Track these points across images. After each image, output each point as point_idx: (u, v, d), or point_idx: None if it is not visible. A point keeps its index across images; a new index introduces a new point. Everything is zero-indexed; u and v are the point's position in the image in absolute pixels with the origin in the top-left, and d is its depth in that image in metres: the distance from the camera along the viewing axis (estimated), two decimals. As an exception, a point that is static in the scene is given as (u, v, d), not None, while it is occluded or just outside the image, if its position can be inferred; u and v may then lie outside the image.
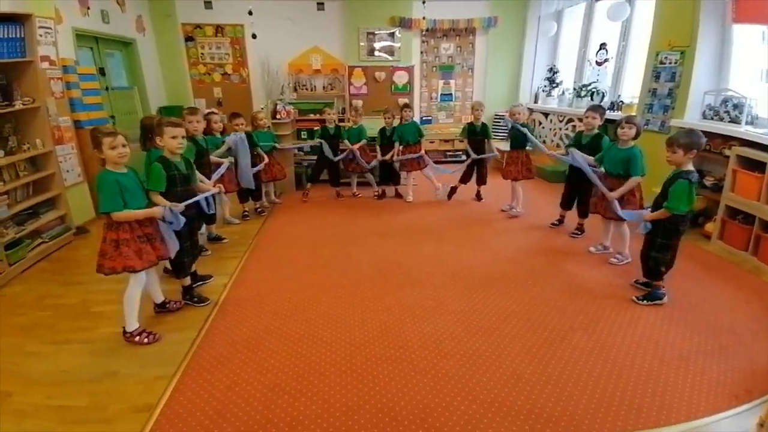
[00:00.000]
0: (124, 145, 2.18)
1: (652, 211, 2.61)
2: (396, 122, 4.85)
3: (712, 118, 3.84)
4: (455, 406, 1.88)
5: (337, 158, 4.88)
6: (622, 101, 5.00)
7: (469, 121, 4.79)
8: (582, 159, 3.31)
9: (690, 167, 2.46)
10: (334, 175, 5.05)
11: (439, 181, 4.97)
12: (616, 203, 2.97)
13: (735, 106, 3.66)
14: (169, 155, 2.52)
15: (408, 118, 4.77)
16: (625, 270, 3.12)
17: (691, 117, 3.96)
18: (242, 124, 4.24)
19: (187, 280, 2.76)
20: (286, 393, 1.97)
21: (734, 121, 3.64)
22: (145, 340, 2.33)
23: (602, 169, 3.27)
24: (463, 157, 4.78)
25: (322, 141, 4.81)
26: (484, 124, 4.63)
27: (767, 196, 3.07)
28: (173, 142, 2.46)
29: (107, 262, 2.19)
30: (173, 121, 2.54)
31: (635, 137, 3.04)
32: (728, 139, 3.51)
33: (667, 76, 4.12)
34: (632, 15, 4.89)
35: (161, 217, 2.30)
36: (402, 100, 6.64)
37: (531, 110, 6.50)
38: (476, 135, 4.63)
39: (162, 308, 2.65)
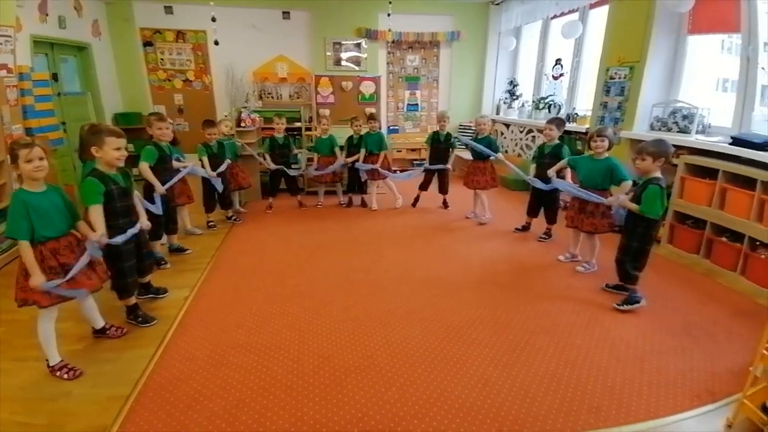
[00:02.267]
0: (41, 158, 1.94)
1: (626, 221, 2.70)
2: (364, 131, 4.88)
3: (659, 129, 4.09)
4: (424, 413, 1.88)
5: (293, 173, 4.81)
6: (576, 113, 5.27)
7: (435, 129, 4.88)
8: (564, 183, 3.41)
9: (658, 174, 2.58)
10: (292, 185, 4.95)
11: (400, 192, 5.05)
12: (615, 207, 2.91)
13: (684, 117, 3.90)
14: (104, 168, 2.28)
15: (375, 129, 4.81)
16: (586, 276, 3.25)
17: (639, 128, 4.22)
18: (214, 134, 4.14)
19: (131, 300, 2.56)
20: (251, 409, 1.91)
21: (683, 131, 3.87)
22: (65, 376, 2.08)
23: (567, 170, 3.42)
24: (425, 165, 4.89)
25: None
26: (448, 134, 4.73)
27: (719, 202, 3.27)
28: (115, 153, 2.23)
29: (19, 291, 1.97)
30: (116, 131, 2.27)
31: (609, 148, 3.16)
32: (677, 149, 3.72)
33: (617, 90, 4.38)
34: (585, 33, 5.19)
35: (38, 284, 1.92)
36: (369, 110, 6.71)
37: (494, 121, 6.70)
38: (439, 143, 4.74)
39: (101, 334, 2.41)
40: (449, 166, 4.74)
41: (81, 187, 2.28)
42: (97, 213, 2.22)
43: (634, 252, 2.67)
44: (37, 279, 1.91)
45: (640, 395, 2.00)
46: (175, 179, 3.44)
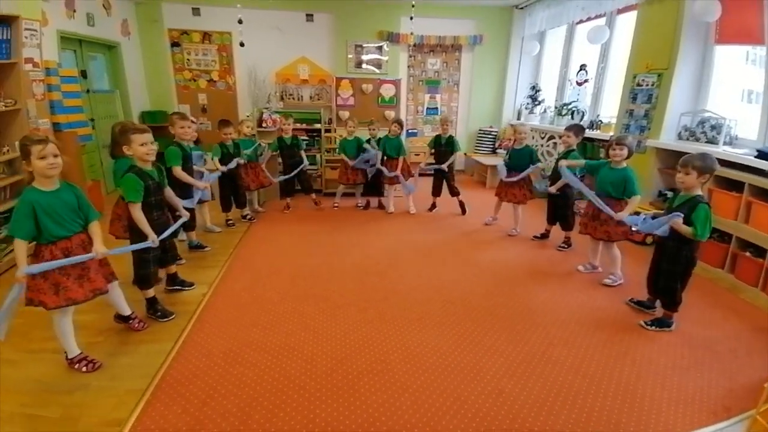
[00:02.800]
0: (55, 155, 1.90)
1: (665, 244, 2.53)
2: (381, 134, 4.89)
3: (687, 139, 3.98)
4: (436, 421, 1.86)
5: (285, 177, 4.78)
6: (600, 121, 5.15)
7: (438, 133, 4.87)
8: (575, 179, 3.24)
9: (700, 192, 2.42)
10: (305, 183, 4.98)
11: (416, 198, 5.01)
12: (625, 220, 2.84)
13: (713, 127, 3.78)
14: (140, 164, 2.42)
15: (395, 133, 4.80)
16: (606, 288, 3.16)
17: (666, 138, 4.10)
18: (230, 134, 4.19)
19: (151, 292, 2.62)
20: (264, 408, 1.92)
21: (711, 141, 3.75)
22: (84, 368, 2.11)
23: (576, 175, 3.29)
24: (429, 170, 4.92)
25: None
26: (450, 137, 4.74)
27: (745, 215, 3.16)
28: (143, 149, 2.35)
29: (27, 291, 1.93)
30: (139, 127, 2.41)
31: (627, 157, 3.05)
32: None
33: (644, 97, 4.27)
34: (611, 38, 5.08)
35: (23, 277, 1.90)
36: (388, 113, 6.73)
37: (513, 126, 6.57)
38: (441, 146, 4.75)
39: (124, 321, 2.46)
40: (444, 167, 4.71)
41: (122, 183, 2.40)
42: (138, 212, 2.37)
43: (682, 276, 2.50)
44: (21, 270, 1.88)
45: (659, 411, 1.94)
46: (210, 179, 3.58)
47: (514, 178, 4.13)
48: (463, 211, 4.98)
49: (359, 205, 5.21)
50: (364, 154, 4.82)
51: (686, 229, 2.38)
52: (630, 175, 3.02)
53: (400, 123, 4.82)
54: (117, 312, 2.49)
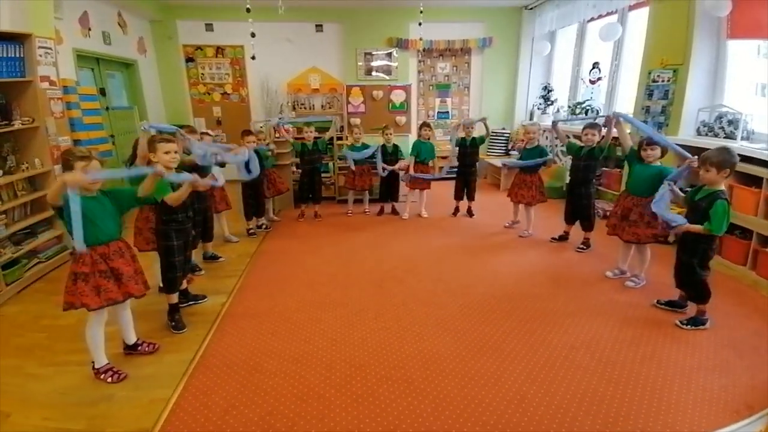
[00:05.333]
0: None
1: (685, 237, 2.53)
2: (394, 139, 4.94)
3: (706, 135, 3.89)
4: (457, 428, 1.84)
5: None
6: (616, 118, 5.06)
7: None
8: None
9: (722, 187, 2.41)
10: (316, 193, 4.97)
11: (431, 202, 5.05)
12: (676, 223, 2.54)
13: (730, 122, 3.71)
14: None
15: (427, 137, 4.83)
16: (629, 290, 3.09)
17: (685, 134, 4.01)
18: (253, 142, 4.25)
19: (175, 298, 2.69)
20: (285, 417, 1.92)
21: (729, 136, 3.69)
22: (109, 379, 2.17)
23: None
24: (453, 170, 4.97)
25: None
26: (473, 138, 4.75)
27: (765, 211, 3.08)
28: (166, 157, 2.47)
29: (65, 296, 2.05)
30: (165, 137, 2.56)
31: (661, 157, 2.96)
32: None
33: (660, 93, 4.19)
34: (624, 35, 5.01)
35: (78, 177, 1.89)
36: (399, 118, 6.75)
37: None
38: (466, 148, 4.77)
39: (132, 350, 2.42)
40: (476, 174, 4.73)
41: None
42: (172, 195, 2.43)
43: (701, 268, 2.48)
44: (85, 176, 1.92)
45: (684, 414, 1.90)
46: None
47: (520, 163, 4.18)
48: (470, 215, 4.97)
49: (367, 211, 5.22)
50: (366, 151, 4.85)
51: (697, 228, 2.39)
52: (666, 171, 2.86)
53: (427, 125, 4.89)
54: (124, 342, 2.44)
